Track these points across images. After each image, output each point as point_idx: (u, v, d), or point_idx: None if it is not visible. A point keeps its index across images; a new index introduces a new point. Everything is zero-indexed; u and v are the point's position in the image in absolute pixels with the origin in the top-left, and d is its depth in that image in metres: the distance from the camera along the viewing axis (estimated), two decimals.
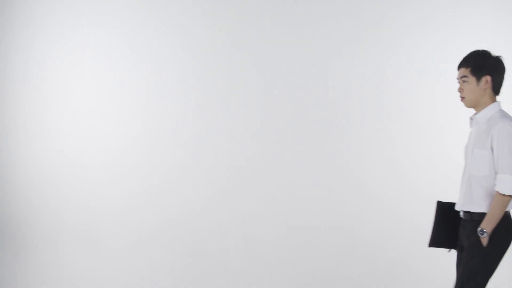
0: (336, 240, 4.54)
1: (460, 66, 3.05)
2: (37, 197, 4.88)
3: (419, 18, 4.43)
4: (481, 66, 2.98)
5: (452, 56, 4.42)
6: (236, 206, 4.63)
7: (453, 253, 3.29)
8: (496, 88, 3.03)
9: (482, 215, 2.91)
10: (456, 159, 4.42)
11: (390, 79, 4.48)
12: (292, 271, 4.53)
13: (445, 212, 3.11)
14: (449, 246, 3.16)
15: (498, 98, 3.06)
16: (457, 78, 3.07)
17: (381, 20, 4.47)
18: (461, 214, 3.04)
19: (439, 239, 3.14)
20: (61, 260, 4.79)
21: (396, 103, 4.48)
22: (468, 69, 3.00)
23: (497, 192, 2.84)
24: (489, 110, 2.99)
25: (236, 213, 4.63)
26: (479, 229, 2.88)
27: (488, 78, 2.98)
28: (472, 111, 3.10)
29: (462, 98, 3.06)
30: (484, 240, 2.89)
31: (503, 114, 2.98)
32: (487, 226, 2.87)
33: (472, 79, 3.00)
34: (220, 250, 4.63)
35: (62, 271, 4.74)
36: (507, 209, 2.91)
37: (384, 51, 4.48)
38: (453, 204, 3.11)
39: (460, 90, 3.05)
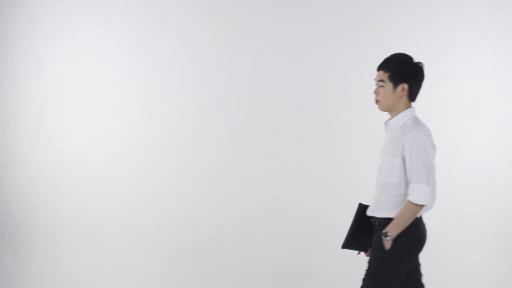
0: (336, 240, 4.54)
1: (379, 68, 2.99)
2: (37, 197, 4.88)
3: (419, 18, 4.43)
4: (400, 73, 2.92)
5: (452, 56, 4.45)
6: (236, 205, 4.63)
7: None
8: (412, 95, 2.98)
9: (388, 220, 2.87)
10: (455, 160, 4.44)
11: None
12: (291, 271, 4.53)
13: (364, 215, 3.06)
14: (361, 249, 3.11)
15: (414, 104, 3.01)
16: (375, 80, 3.01)
17: (381, 20, 4.48)
18: (372, 219, 3.00)
19: (353, 241, 3.08)
20: (61, 260, 4.79)
21: None
22: (387, 74, 2.95)
23: (409, 201, 2.79)
24: (403, 117, 2.95)
25: (236, 213, 4.63)
26: (383, 231, 2.84)
27: (405, 86, 2.93)
28: (387, 115, 3.05)
29: (377, 101, 3.01)
30: (387, 244, 2.84)
31: (416, 121, 2.93)
32: (392, 230, 2.82)
33: (389, 85, 2.94)
34: (220, 249, 4.63)
35: (62, 271, 4.74)
36: (419, 215, 2.88)
37: (384, 51, 4.47)
38: None
39: (376, 93, 3.01)
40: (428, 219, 4.42)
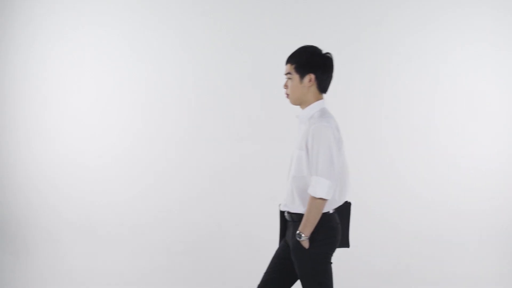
0: None
1: (286, 62, 2.95)
2: (37, 197, 4.88)
3: (419, 18, 4.43)
4: (305, 63, 2.87)
5: (452, 56, 4.45)
6: (235, 204, 4.63)
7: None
8: (322, 86, 2.93)
9: (301, 216, 2.81)
10: (455, 160, 4.44)
11: (390, 79, 4.48)
12: None
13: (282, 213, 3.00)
14: (344, 245, 3.08)
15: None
16: (284, 74, 2.98)
17: (381, 20, 4.48)
18: (285, 214, 2.94)
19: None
20: (61, 260, 4.79)
21: (396, 103, 4.48)
22: (293, 66, 2.90)
23: (311, 195, 2.73)
24: (311, 109, 2.92)
25: (235, 212, 4.63)
26: (297, 232, 2.78)
27: (312, 76, 2.88)
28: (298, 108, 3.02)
29: (287, 95, 2.98)
30: (305, 243, 2.78)
31: (323, 113, 2.89)
32: (304, 230, 2.76)
33: (295, 76, 2.90)
34: (220, 248, 4.64)
35: (62, 271, 4.74)
36: (327, 210, 2.82)
37: (384, 51, 4.49)
38: None
39: (285, 86, 2.97)
40: (428, 219, 4.44)
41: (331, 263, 2.88)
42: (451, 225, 4.42)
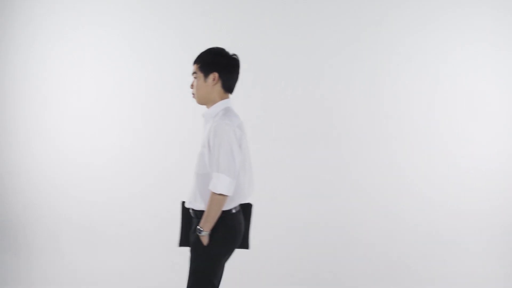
0: (336, 239, 4.54)
1: (193, 63, 3.04)
2: (37, 197, 4.88)
3: (419, 18, 4.43)
4: (209, 63, 2.97)
5: (452, 56, 4.45)
6: None
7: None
8: (226, 86, 3.00)
9: (203, 213, 2.86)
10: (455, 160, 4.44)
11: (390, 79, 4.48)
12: (291, 271, 4.53)
13: (189, 213, 3.04)
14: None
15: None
16: (191, 74, 3.05)
17: (381, 20, 4.48)
18: (190, 211, 2.98)
19: (185, 239, 3.05)
20: (62, 259, 4.79)
21: (396, 103, 4.48)
22: (198, 65, 3.00)
23: (211, 191, 2.79)
24: (216, 108, 2.97)
25: None
26: (197, 227, 2.83)
27: (216, 75, 2.96)
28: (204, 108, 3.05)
29: (193, 94, 3.04)
30: (204, 239, 2.83)
31: (227, 112, 2.94)
32: (204, 225, 2.81)
33: (200, 75, 2.99)
34: None
35: (63, 270, 4.74)
36: (229, 208, 2.88)
37: (384, 51, 4.49)
38: None
39: (191, 86, 3.04)
40: (428, 218, 4.44)
41: (225, 262, 2.95)
42: (451, 225, 4.42)
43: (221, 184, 2.77)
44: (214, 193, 2.78)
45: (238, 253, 4.67)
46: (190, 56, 4.69)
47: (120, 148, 4.77)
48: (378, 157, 4.49)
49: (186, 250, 2.91)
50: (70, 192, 4.82)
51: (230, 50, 3.02)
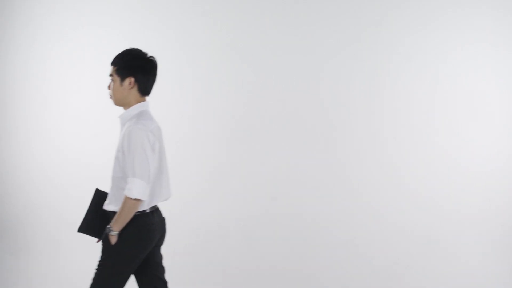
0: (336, 239, 4.54)
1: (111, 64, 3.04)
2: (37, 197, 4.88)
3: (419, 18, 4.43)
4: (125, 67, 2.98)
5: (452, 56, 4.44)
6: (235, 204, 4.63)
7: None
8: (142, 89, 3.02)
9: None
10: (455, 160, 4.43)
11: (390, 79, 4.48)
12: (291, 271, 4.53)
13: (100, 202, 3.10)
14: (97, 236, 3.13)
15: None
16: (109, 76, 3.07)
17: (381, 20, 4.47)
18: (108, 212, 3.03)
19: (89, 226, 3.10)
20: (61, 260, 4.79)
21: (396, 103, 4.48)
22: (115, 68, 3.00)
23: (126, 195, 2.83)
24: (132, 111, 3.01)
25: (235, 212, 4.63)
26: (108, 226, 2.89)
27: (132, 79, 2.97)
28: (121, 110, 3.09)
29: (111, 96, 3.06)
30: (112, 239, 2.89)
31: (141, 116, 2.97)
32: (114, 226, 2.87)
33: (116, 79, 3.00)
34: (219, 248, 4.64)
35: (62, 270, 4.74)
36: (144, 209, 2.92)
37: (384, 51, 4.49)
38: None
39: (108, 87, 3.06)
40: (428, 219, 4.44)
41: (134, 268, 3.00)
42: (451, 225, 4.42)
43: (136, 188, 2.81)
44: (128, 198, 2.82)
45: (238, 253, 4.65)
46: (190, 56, 4.73)
47: None
48: (378, 157, 4.49)
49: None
50: (70, 192, 4.82)
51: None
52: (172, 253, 4.69)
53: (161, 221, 3.11)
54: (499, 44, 4.39)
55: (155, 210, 3.05)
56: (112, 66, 3.03)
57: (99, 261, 3.00)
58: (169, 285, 3.37)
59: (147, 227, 2.98)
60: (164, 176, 3.07)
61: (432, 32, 4.42)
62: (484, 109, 4.43)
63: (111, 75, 3.03)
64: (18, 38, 4.89)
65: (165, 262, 4.69)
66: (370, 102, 4.51)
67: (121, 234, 2.90)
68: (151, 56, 3.05)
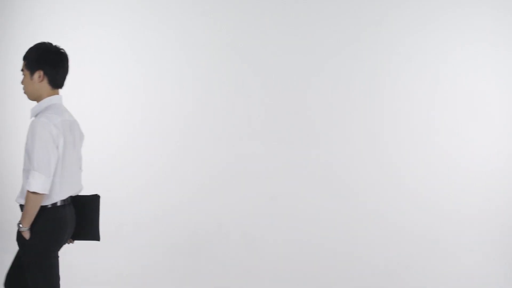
0: (336, 239, 4.54)
1: (22, 58, 3.04)
2: None
3: (419, 18, 4.43)
4: (34, 60, 2.98)
5: (452, 56, 4.45)
6: (235, 204, 4.63)
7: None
8: (53, 82, 3.02)
9: None
10: (455, 160, 4.43)
11: (390, 79, 4.48)
12: (291, 271, 4.53)
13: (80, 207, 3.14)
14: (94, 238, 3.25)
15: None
16: (20, 71, 3.07)
17: (381, 20, 4.47)
18: (19, 206, 3.03)
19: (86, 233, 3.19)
20: (61, 259, 4.77)
21: (396, 103, 4.48)
22: (25, 63, 3.01)
23: (27, 188, 2.84)
24: (41, 104, 3.00)
25: (235, 212, 4.63)
26: (18, 222, 2.91)
27: (41, 72, 2.98)
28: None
29: (24, 91, 3.05)
30: (25, 234, 2.91)
31: (48, 109, 2.97)
32: (23, 221, 2.89)
33: (27, 73, 3.00)
34: (219, 248, 4.63)
35: (62, 270, 4.72)
36: (48, 203, 2.92)
37: (384, 51, 4.49)
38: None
39: (22, 83, 3.05)
40: (428, 219, 4.44)
41: (57, 257, 3.06)
42: (451, 225, 4.42)
43: (35, 182, 2.82)
44: (28, 191, 2.83)
45: (238, 253, 4.64)
46: (190, 56, 4.72)
47: (119, 148, 4.76)
48: (378, 157, 4.49)
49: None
50: None
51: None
52: (172, 253, 4.69)
53: (72, 215, 3.10)
54: (499, 44, 4.39)
55: (68, 204, 3.04)
56: (23, 61, 3.03)
57: (23, 260, 3.01)
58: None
59: (58, 220, 2.98)
60: (74, 168, 3.07)
61: (432, 32, 4.42)
62: (484, 109, 4.43)
63: (22, 69, 3.03)
64: (18, 38, 4.89)
65: (165, 261, 4.69)
66: (370, 102, 4.51)
67: (33, 228, 2.91)
68: (61, 49, 3.04)
